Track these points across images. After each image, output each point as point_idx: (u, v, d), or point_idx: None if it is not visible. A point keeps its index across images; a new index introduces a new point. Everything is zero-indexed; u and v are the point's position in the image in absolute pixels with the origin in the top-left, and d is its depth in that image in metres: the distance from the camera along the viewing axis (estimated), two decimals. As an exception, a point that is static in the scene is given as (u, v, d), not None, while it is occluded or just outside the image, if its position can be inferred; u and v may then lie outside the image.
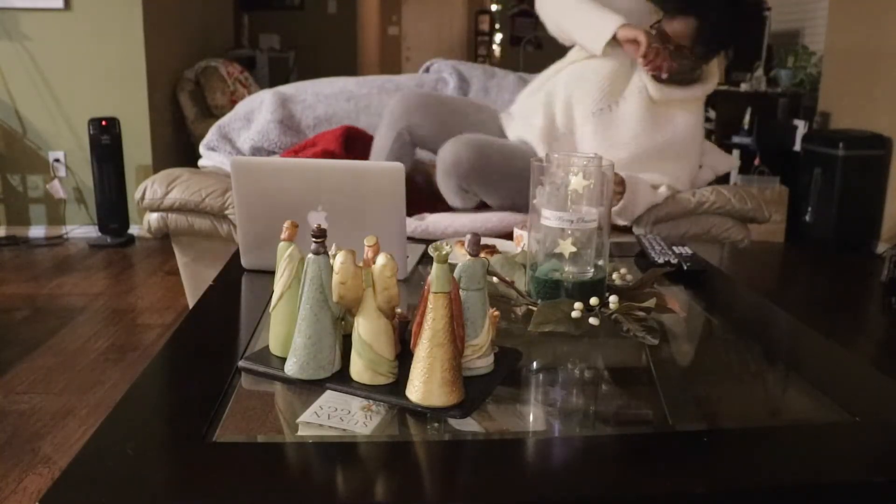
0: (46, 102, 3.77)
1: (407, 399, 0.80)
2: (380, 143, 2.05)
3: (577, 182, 1.05)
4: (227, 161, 2.29)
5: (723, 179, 4.48)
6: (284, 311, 0.89)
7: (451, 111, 2.04)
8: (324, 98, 2.41)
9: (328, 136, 2.21)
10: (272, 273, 0.93)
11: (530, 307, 1.08)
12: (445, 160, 1.84)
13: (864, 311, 3.13)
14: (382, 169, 1.27)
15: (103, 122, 3.65)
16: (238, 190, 1.31)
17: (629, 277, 1.19)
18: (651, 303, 1.06)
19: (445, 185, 1.87)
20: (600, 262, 1.10)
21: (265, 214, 1.31)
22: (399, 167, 1.24)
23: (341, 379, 0.84)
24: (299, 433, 0.77)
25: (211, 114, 4.15)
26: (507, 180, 1.83)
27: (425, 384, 0.78)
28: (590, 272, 1.09)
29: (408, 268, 1.34)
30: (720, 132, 4.80)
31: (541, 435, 0.81)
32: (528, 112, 2.04)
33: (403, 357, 0.84)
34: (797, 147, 4.23)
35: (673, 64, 1.87)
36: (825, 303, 3.19)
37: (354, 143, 2.24)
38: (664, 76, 1.90)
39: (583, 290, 1.07)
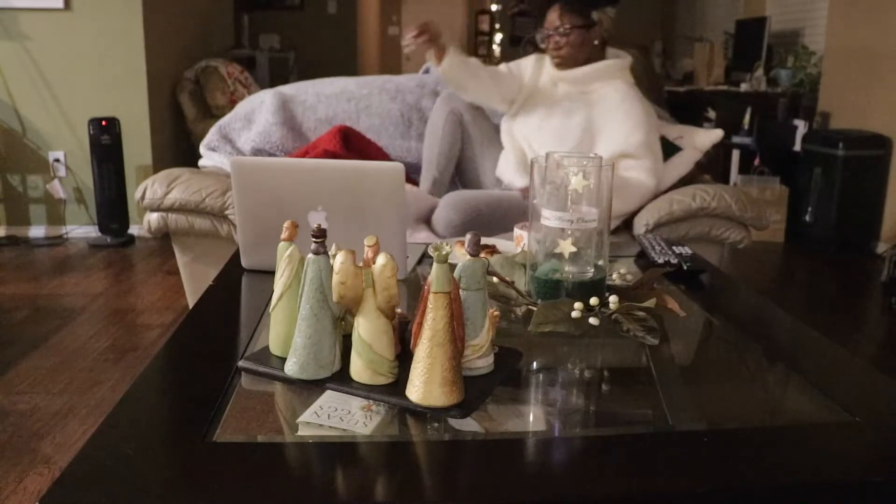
0: (46, 102, 3.77)
1: (407, 399, 0.79)
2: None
3: (577, 182, 1.05)
4: (228, 161, 2.30)
5: (723, 179, 4.50)
6: (284, 311, 0.89)
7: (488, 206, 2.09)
8: (324, 99, 2.41)
9: (326, 137, 2.22)
10: (272, 273, 0.93)
11: (530, 307, 1.08)
12: (439, 224, 1.96)
13: (864, 311, 3.13)
14: (382, 169, 1.27)
15: (103, 122, 3.65)
16: (238, 190, 1.31)
17: (629, 277, 1.19)
18: (651, 303, 1.06)
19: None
20: (600, 262, 1.10)
21: (265, 214, 1.31)
22: (399, 167, 1.24)
23: (341, 379, 0.84)
24: (299, 433, 0.77)
25: (211, 114, 4.15)
26: (499, 224, 1.91)
27: (425, 384, 0.78)
28: (590, 272, 1.09)
29: (408, 268, 1.34)
30: (720, 132, 4.80)
31: (541, 435, 0.81)
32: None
33: (403, 357, 0.84)
34: (797, 147, 4.23)
35: (569, 50, 2.07)
36: (825, 303, 3.19)
37: (350, 142, 2.24)
38: (560, 62, 2.09)
39: (583, 290, 1.07)
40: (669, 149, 2.18)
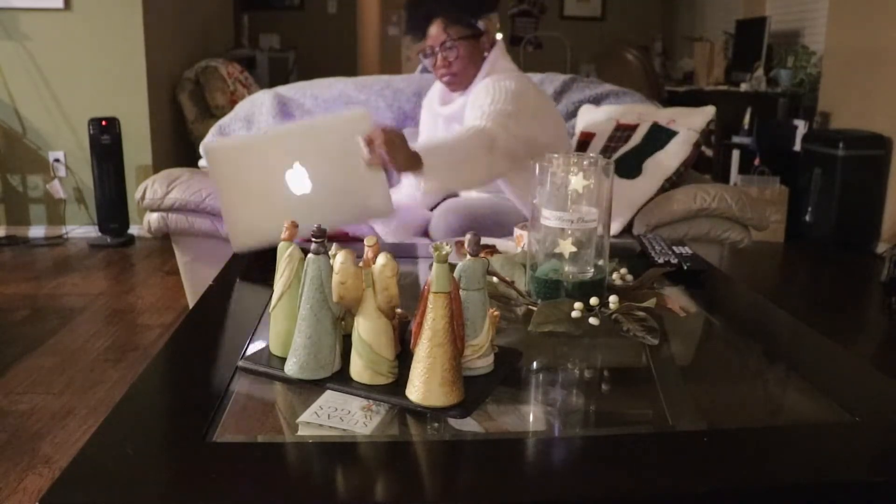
0: (46, 102, 3.77)
1: (407, 399, 0.79)
2: None
3: (577, 182, 1.05)
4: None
5: (723, 179, 4.50)
6: (284, 311, 0.89)
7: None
8: (322, 103, 2.42)
9: None
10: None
11: (530, 307, 1.08)
12: (438, 231, 1.89)
13: (864, 311, 3.13)
14: (349, 118, 1.34)
15: (103, 122, 3.64)
16: (216, 173, 1.34)
17: (629, 277, 1.19)
18: (651, 303, 1.06)
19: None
20: (600, 262, 1.10)
21: (246, 190, 1.33)
22: (364, 113, 1.29)
23: (341, 379, 0.84)
24: (299, 433, 0.77)
25: (211, 114, 4.15)
26: (498, 229, 1.85)
27: (425, 384, 0.78)
28: (590, 272, 1.09)
29: (393, 204, 1.37)
30: (720, 132, 4.80)
31: (541, 435, 0.81)
32: None
33: (403, 357, 0.84)
34: (797, 147, 4.23)
35: (455, 62, 1.90)
36: (825, 303, 3.19)
37: None
38: (453, 81, 1.93)
39: (583, 290, 1.07)
40: (665, 134, 2.17)
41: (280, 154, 1.35)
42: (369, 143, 1.44)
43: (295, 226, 0.90)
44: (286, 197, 1.39)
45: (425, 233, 2.00)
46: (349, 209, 1.45)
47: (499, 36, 2.01)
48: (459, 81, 1.94)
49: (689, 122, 2.16)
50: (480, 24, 1.92)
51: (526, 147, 1.79)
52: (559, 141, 2.01)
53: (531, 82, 1.98)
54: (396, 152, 1.47)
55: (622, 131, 2.30)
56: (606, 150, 2.20)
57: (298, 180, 1.38)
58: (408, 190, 2.07)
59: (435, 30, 1.90)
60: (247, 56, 5.66)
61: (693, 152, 2.13)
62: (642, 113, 2.31)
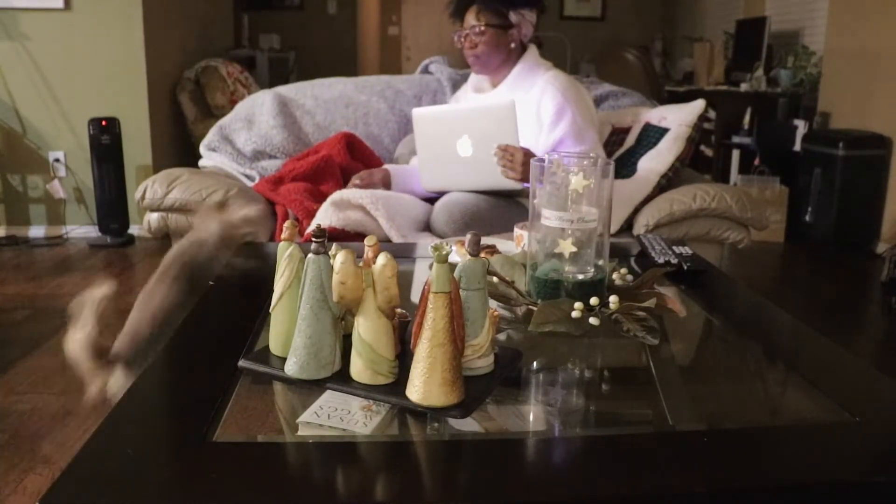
0: (46, 102, 3.77)
1: (407, 399, 0.79)
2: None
3: (577, 182, 1.05)
4: (228, 161, 2.30)
5: (723, 179, 4.50)
6: (284, 311, 0.89)
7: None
8: (323, 104, 2.42)
9: (331, 142, 2.26)
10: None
11: (530, 307, 1.08)
12: (439, 222, 1.94)
13: (864, 311, 3.13)
14: (497, 106, 1.91)
15: (103, 122, 3.64)
16: (418, 132, 2.00)
17: (629, 277, 1.19)
18: (651, 303, 1.06)
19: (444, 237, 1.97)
20: (600, 262, 1.10)
21: (435, 146, 1.98)
22: (510, 103, 1.86)
23: (341, 379, 0.84)
24: (299, 433, 0.77)
25: (211, 114, 4.15)
26: (498, 223, 1.91)
27: (425, 384, 0.78)
28: (590, 272, 1.09)
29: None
30: (720, 132, 4.80)
31: (541, 435, 0.81)
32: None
33: (403, 357, 0.84)
34: (797, 147, 4.23)
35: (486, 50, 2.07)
36: (825, 303, 3.19)
37: (354, 148, 2.27)
38: (476, 62, 2.11)
39: (583, 290, 1.07)
40: (657, 132, 2.17)
41: (457, 125, 1.94)
42: (507, 156, 1.85)
43: (295, 226, 0.90)
44: (457, 157, 1.96)
45: (427, 227, 2.01)
46: (492, 175, 1.89)
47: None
48: (483, 64, 2.11)
49: (680, 118, 2.16)
50: (513, 18, 2.06)
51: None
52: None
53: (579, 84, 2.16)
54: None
55: (617, 135, 2.31)
56: None
57: (464, 147, 1.95)
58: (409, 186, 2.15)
59: (470, 15, 2.08)
60: (247, 56, 5.66)
61: (687, 147, 2.13)
62: (635, 114, 2.32)
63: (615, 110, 2.44)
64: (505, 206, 1.98)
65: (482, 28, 2.05)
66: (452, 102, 2.33)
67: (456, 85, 2.48)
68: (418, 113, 2.00)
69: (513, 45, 2.08)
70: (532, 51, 2.13)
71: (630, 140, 2.24)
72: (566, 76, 2.11)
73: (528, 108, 2.04)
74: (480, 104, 2.03)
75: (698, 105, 2.19)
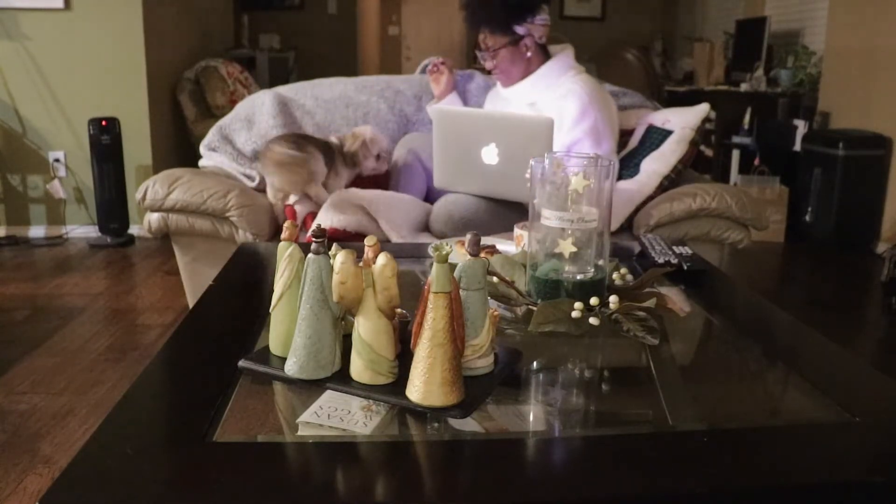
0: (46, 102, 3.77)
1: (407, 399, 0.79)
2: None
3: (577, 182, 1.05)
4: (228, 161, 2.30)
5: (723, 179, 4.50)
6: (284, 311, 0.89)
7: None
8: (323, 104, 2.42)
9: None
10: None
11: (530, 307, 1.08)
12: (438, 220, 1.96)
13: (864, 311, 3.13)
14: (534, 121, 1.87)
15: (103, 122, 3.64)
16: (437, 129, 1.94)
17: (629, 277, 1.19)
18: (651, 303, 1.06)
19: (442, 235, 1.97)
20: (600, 262, 1.10)
21: (454, 147, 1.93)
22: (549, 120, 1.79)
23: (341, 379, 0.84)
24: (299, 433, 0.77)
25: (211, 114, 4.15)
26: (498, 223, 1.91)
27: (425, 384, 0.78)
28: (590, 272, 1.09)
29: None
30: (720, 132, 4.80)
31: (541, 435, 0.81)
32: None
33: (403, 357, 0.84)
34: (797, 147, 4.23)
35: (503, 65, 2.11)
36: (825, 303, 3.19)
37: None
38: (500, 78, 2.16)
39: (583, 290, 1.07)
40: (660, 134, 2.17)
41: (485, 131, 1.87)
42: None
43: (295, 226, 0.90)
44: (480, 163, 1.91)
45: (426, 228, 2.01)
46: (514, 187, 1.87)
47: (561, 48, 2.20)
48: (506, 78, 2.16)
49: (684, 121, 2.16)
50: (520, 30, 2.08)
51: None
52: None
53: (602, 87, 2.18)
54: None
55: (621, 136, 2.31)
56: None
57: (490, 154, 1.89)
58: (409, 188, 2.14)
59: (481, 38, 2.13)
60: (247, 56, 5.66)
61: (690, 150, 2.13)
62: (639, 116, 2.32)
63: (617, 111, 2.44)
64: (504, 207, 1.98)
65: (494, 51, 2.09)
66: (488, 101, 2.31)
67: (456, 85, 2.48)
68: (441, 111, 1.96)
69: (529, 54, 2.10)
70: (568, 52, 2.16)
71: (633, 141, 2.25)
72: (596, 82, 2.13)
73: (550, 105, 2.06)
74: (516, 115, 1.98)
75: (702, 109, 2.19)
